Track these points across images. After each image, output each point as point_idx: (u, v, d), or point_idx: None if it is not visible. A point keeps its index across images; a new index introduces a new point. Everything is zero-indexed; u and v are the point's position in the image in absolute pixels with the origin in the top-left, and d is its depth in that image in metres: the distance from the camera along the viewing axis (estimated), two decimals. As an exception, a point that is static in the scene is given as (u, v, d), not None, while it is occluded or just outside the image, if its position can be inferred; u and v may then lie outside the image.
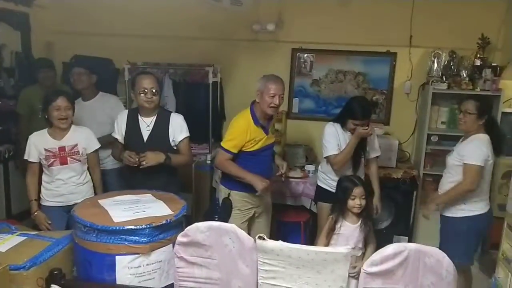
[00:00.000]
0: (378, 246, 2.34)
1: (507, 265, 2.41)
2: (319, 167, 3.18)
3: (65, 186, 2.74)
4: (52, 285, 1.93)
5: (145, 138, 2.75)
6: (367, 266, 1.80)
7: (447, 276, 1.73)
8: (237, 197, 2.78)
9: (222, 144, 2.75)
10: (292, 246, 1.80)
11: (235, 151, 2.71)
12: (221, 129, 4.20)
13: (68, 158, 2.72)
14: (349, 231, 2.44)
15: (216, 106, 4.05)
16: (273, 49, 4.17)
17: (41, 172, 2.76)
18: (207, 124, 3.86)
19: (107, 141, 3.03)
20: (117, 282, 1.97)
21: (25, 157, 2.73)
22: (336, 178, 2.97)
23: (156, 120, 2.76)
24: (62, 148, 2.71)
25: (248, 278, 1.89)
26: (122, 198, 2.30)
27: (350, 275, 1.95)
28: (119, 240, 1.94)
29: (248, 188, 2.71)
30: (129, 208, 2.15)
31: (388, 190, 3.49)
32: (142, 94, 2.68)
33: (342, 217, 2.47)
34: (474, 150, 2.63)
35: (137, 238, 1.96)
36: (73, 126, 2.78)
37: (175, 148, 2.80)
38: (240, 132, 2.69)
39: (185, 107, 3.96)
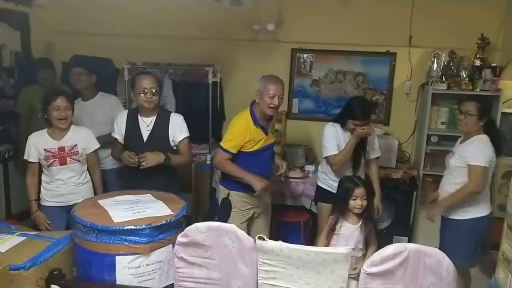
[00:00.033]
0: (378, 247, 2.35)
1: (507, 266, 2.42)
2: (319, 167, 3.18)
3: (64, 186, 2.74)
4: (52, 285, 1.93)
5: (145, 138, 2.75)
6: (367, 267, 1.80)
7: (447, 276, 1.73)
8: (236, 197, 2.78)
9: (221, 144, 2.75)
10: (292, 247, 1.80)
11: (234, 151, 2.71)
12: (221, 129, 4.21)
13: (68, 159, 2.72)
14: (350, 231, 2.43)
15: (216, 106, 4.05)
16: (273, 49, 4.17)
17: (41, 172, 2.76)
18: (207, 124, 3.86)
19: (106, 141, 3.03)
20: (117, 282, 1.98)
21: (25, 157, 2.73)
22: (336, 179, 2.97)
23: (156, 120, 2.76)
24: (61, 149, 2.71)
25: (248, 279, 1.89)
26: (122, 198, 2.30)
27: (351, 276, 1.94)
28: (119, 240, 1.95)
29: (247, 188, 2.71)
30: (129, 208, 2.15)
31: (388, 191, 3.48)
32: (142, 94, 2.68)
33: (342, 217, 2.47)
34: (478, 151, 2.62)
35: (137, 238, 1.96)
36: (72, 126, 2.78)
37: (174, 148, 2.79)
38: (240, 132, 2.69)
39: (185, 107, 3.96)
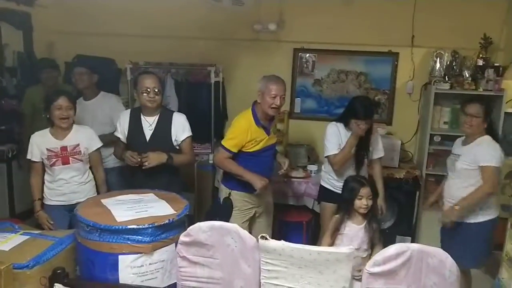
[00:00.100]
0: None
1: (511, 266, 2.40)
2: (323, 167, 3.17)
3: (67, 185, 2.75)
4: (55, 284, 1.94)
5: (147, 138, 2.75)
6: (369, 266, 1.80)
7: (450, 276, 1.73)
8: (237, 197, 2.78)
9: (222, 142, 2.75)
10: (294, 246, 1.80)
11: (234, 150, 2.71)
12: (223, 129, 4.20)
13: (70, 158, 2.72)
14: (354, 231, 2.43)
15: (218, 106, 4.05)
16: (274, 49, 4.17)
17: (44, 171, 2.77)
18: (209, 123, 3.86)
19: (109, 140, 3.04)
20: (120, 282, 1.98)
21: (28, 157, 2.74)
22: (339, 178, 2.97)
23: (158, 119, 2.77)
24: (64, 148, 2.71)
25: (250, 278, 1.89)
26: (124, 198, 2.30)
27: (356, 278, 1.94)
28: (122, 240, 1.95)
29: (248, 188, 2.71)
30: (131, 208, 2.15)
31: (391, 190, 3.47)
32: (144, 94, 2.69)
33: (347, 217, 2.46)
34: (488, 151, 2.62)
35: (139, 237, 1.96)
36: (74, 126, 2.79)
37: (177, 147, 2.80)
38: (241, 131, 2.70)
39: (187, 107, 3.96)
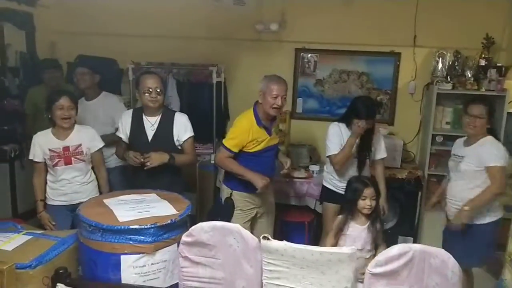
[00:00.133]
0: (383, 247, 2.35)
1: (513, 266, 2.40)
2: (325, 167, 3.17)
3: (70, 185, 2.76)
4: (58, 284, 1.94)
5: (149, 138, 2.75)
6: (371, 267, 1.79)
7: (452, 277, 1.72)
8: (238, 197, 2.79)
9: (223, 142, 2.76)
10: (296, 247, 1.79)
11: (235, 150, 2.71)
12: (225, 129, 4.20)
13: (72, 158, 2.73)
14: (357, 232, 2.43)
15: (220, 106, 4.05)
16: (276, 49, 4.17)
17: (47, 171, 2.77)
18: (211, 124, 3.87)
19: (111, 140, 3.05)
20: (122, 282, 1.98)
21: (30, 157, 2.74)
22: (341, 178, 2.97)
23: (160, 119, 2.77)
24: (66, 148, 2.72)
25: (252, 278, 1.89)
26: (126, 198, 2.30)
27: (360, 280, 1.93)
28: (124, 240, 1.95)
29: (250, 188, 2.72)
30: (134, 208, 2.16)
31: (393, 191, 3.47)
32: (146, 94, 2.69)
33: (351, 218, 2.46)
34: (494, 152, 2.61)
35: (142, 237, 1.96)
36: (76, 126, 2.79)
37: (179, 147, 2.80)
38: (242, 131, 2.70)
39: (189, 107, 3.97)
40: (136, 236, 1.96)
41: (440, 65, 3.82)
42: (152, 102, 2.71)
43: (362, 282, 1.94)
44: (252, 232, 2.63)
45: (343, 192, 2.93)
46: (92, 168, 2.86)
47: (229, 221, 2.48)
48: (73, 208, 2.51)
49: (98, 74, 3.40)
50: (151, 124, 2.77)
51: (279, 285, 1.86)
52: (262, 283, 1.88)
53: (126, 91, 4.05)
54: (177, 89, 4.09)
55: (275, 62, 4.07)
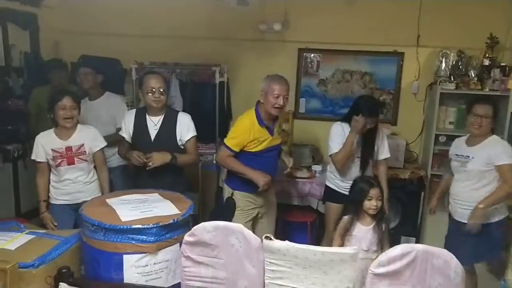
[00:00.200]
0: (385, 247, 2.34)
1: (516, 267, 2.38)
2: (328, 167, 3.17)
3: (73, 185, 2.77)
4: (60, 283, 1.95)
5: (152, 137, 2.76)
6: (374, 267, 1.79)
7: (455, 277, 1.71)
8: (240, 197, 2.79)
9: (225, 141, 2.76)
10: (299, 246, 1.79)
11: (236, 149, 2.71)
12: (227, 129, 4.18)
13: (75, 158, 2.74)
14: (363, 233, 2.42)
15: (222, 106, 4.05)
16: (279, 49, 4.17)
17: (50, 171, 2.78)
18: (214, 123, 3.87)
19: (114, 140, 3.06)
20: (125, 281, 1.98)
21: (33, 157, 2.75)
22: (343, 178, 2.97)
23: (163, 119, 2.78)
24: (69, 148, 2.73)
25: (254, 278, 1.89)
26: (129, 197, 2.31)
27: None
28: (126, 239, 1.95)
29: (251, 188, 2.72)
30: (136, 207, 2.16)
31: (396, 191, 3.47)
32: (149, 94, 2.69)
33: (356, 218, 2.45)
34: (502, 150, 2.62)
35: (144, 237, 1.96)
36: (79, 126, 2.80)
37: (182, 147, 2.80)
38: (243, 131, 2.70)
39: (192, 107, 3.97)
40: (139, 236, 1.96)
41: (443, 65, 3.81)
42: (155, 102, 2.71)
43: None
44: (253, 232, 2.64)
45: (345, 192, 2.93)
46: (94, 167, 2.86)
47: (230, 221, 2.48)
48: (76, 207, 2.51)
49: (101, 74, 3.41)
50: (154, 123, 2.78)
51: (282, 285, 1.86)
52: (264, 283, 1.88)
53: (129, 91, 4.06)
54: (180, 89, 4.10)
55: (278, 62, 4.07)
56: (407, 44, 3.94)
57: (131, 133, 2.81)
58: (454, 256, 1.73)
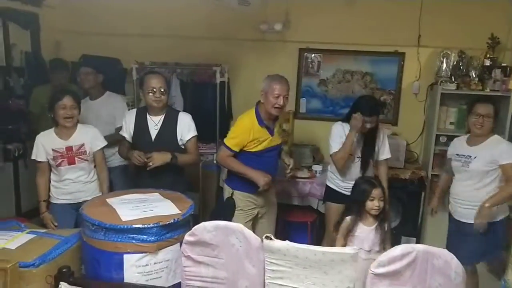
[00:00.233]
0: (386, 247, 2.34)
1: (517, 267, 2.38)
2: (329, 166, 3.18)
3: (73, 184, 2.77)
4: (61, 282, 1.95)
5: (153, 137, 2.76)
6: (374, 267, 1.79)
7: (455, 278, 1.71)
8: (240, 197, 2.79)
9: (224, 141, 2.76)
10: (299, 246, 1.79)
11: (236, 149, 2.71)
12: (228, 129, 4.19)
13: (76, 158, 2.74)
14: (365, 233, 2.42)
15: (223, 106, 4.06)
16: (280, 49, 4.17)
17: (50, 170, 2.78)
18: (215, 123, 3.87)
19: (114, 139, 3.06)
20: (125, 281, 1.98)
21: (33, 157, 2.75)
22: (343, 178, 2.97)
23: (164, 119, 2.78)
24: (69, 148, 2.73)
25: (254, 278, 1.89)
26: (130, 197, 2.31)
27: None
28: (127, 239, 1.95)
29: (251, 188, 2.72)
30: (137, 207, 2.16)
31: (396, 191, 3.47)
32: (150, 94, 2.70)
33: (358, 219, 2.45)
34: (507, 149, 2.63)
35: (144, 237, 1.96)
36: (79, 125, 2.80)
37: (182, 147, 2.80)
38: (243, 131, 2.70)
39: (193, 107, 3.97)
40: (139, 236, 1.96)
41: (444, 65, 3.80)
42: (156, 102, 2.71)
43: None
44: (253, 232, 2.64)
45: (346, 192, 2.93)
46: (95, 166, 2.87)
47: (230, 220, 2.48)
48: (77, 207, 2.51)
49: (102, 74, 3.41)
50: (154, 123, 2.78)
51: (282, 285, 1.86)
52: (264, 283, 1.88)
53: (130, 90, 4.06)
54: (181, 89, 4.10)
55: (279, 62, 4.07)
56: (408, 44, 3.94)
57: (132, 132, 2.81)
58: (454, 257, 1.73)
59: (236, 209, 2.77)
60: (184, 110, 3.24)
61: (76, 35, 4.26)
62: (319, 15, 4.01)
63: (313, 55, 4.17)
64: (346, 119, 2.95)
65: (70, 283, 1.95)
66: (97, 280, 2.02)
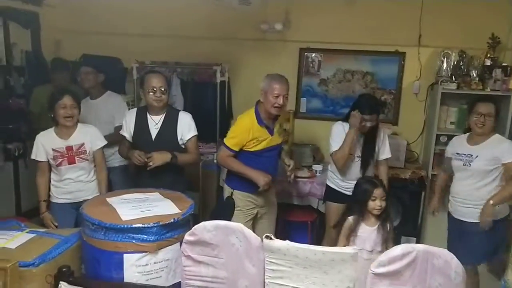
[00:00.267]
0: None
1: (517, 267, 2.38)
2: (329, 166, 3.17)
3: (74, 184, 2.77)
4: (60, 282, 1.95)
5: (153, 136, 2.76)
6: (374, 267, 1.78)
7: (455, 277, 1.71)
8: (239, 196, 2.79)
9: (224, 141, 2.76)
10: (299, 246, 1.79)
11: (236, 149, 2.71)
12: (228, 129, 4.18)
13: (76, 158, 2.74)
14: (367, 233, 2.42)
15: (223, 105, 4.06)
16: (280, 48, 4.16)
17: (50, 170, 2.78)
18: (215, 123, 3.87)
19: (114, 139, 3.06)
20: (125, 280, 1.98)
21: (33, 157, 2.74)
22: (343, 178, 2.97)
23: (164, 118, 2.78)
24: (69, 148, 2.73)
25: (254, 278, 1.89)
26: (130, 197, 2.31)
27: None
28: (127, 238, 1.95)
29: (251, 188, 2.71)
30: (137, 207, 2.16)
31: (396, 191, 3.47)
32: (151, 93, 2.69)
33: (361, 219, 2.45)
34: (507, 148, 2.63)
35: (144, 236, 1.96)
36: (79, 125, 2.80)
37: (183, 146, 2.80)
38: (242, 130, 2.70)
39: (193, 106, 3.97)
40: (139, 235, 1.96)
41: (445, 64, 3.80)
42: (157, 101, 2.71)
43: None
44: (253, 231, 2.64)
45: (346, 192, 2.93)
46: (95, 166, 2.87)
47: (229, 220, 2.48)
48: (77, 206, 2.50)
49: (102, 74, 3.41)
50: (155, 123, 2.78)
51: (282, 284, 1.86)
52: (264, 282, 1.88)
53: (130, 90, 4.06)
54: (181, 88, 4.10)
55: (279, 62, 4.07)
56: (408, 44, 3.93)
57: (132, 132, 2.81)
58: (454, 256, 1.73)
59: (235, 209, 2.77)
60: (185, 110, 3.25)
61: (76, 35, 4.26)
62: (320, 14, 4.01)
63: (313, 54, 4.17)
64: (346, 118, 2.95)
65: (70, 283, 1.95)
66: (97, 279, 2.02)
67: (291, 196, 3.61)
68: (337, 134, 2.92)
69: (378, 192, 2.41)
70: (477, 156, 2.70)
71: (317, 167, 3.74)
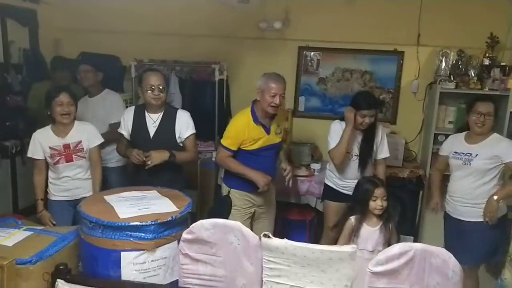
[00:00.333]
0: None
1: (514, 267, 2.38)
2: (327, 165, 3.17)
3: (71, 182, 2.76)
4: (57, 279, 1.95)
5: (151, 135, 2.76)
6: (372, 266, 1.79)
7: (453, 276, 1.71)
8: (237, 195, 2.79)
9: (221, 141, 2.76)
10: (297, 245, 1.79)
11: (234, 148, 2.70)
12: (226, 127, 4.20)
13: (73, 156, 2.73)
14: (368, 233, 2.42)
15: (222, 104, 4.05)
16: (279, 47, 4.16)
17: (47, 168, 2.77)
18: (213, 121, 3.87)
19: (110, 137, 3.05)
20: (122, 278, 1.98)
21: (29, 155, 2.73)
22: (341, 177, 2.97)
23: (162, 116, 2.77)
24: (66, 146, 2.72)
25: (252, 276, 1.89)
26: (127, 195, 2.30)
27: None
28: (124, 236, 1.95)
29: (249, 187, 2.71)
30: (134, 205, 2.15)
31: (394, 190, 3.46)
32: (149, 91, 2.69)
33: (362, 219, 2.44)
34: (507, 147, 2.64)
35: (142, 234, 1.96)
36: (76, 122, 2.79)
37: (181, 144, 2.80)
38: (238, 129, 2.69)
39: (191, 105, 3.97)
40: (137, 233, 1.96)
41: (443, 64, 3.80)
42: (155, 100, 2.71)
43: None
44: (252, 231, 2.63)
45: (344, 191, 2.93)
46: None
47: (226, 219, 2.48)
48: (75, 203, 2.49)
49: (101, 72, 3.40)
50: (153, 121, 2.77)
51: (280, 283, 1.86)
52: (262, 281, 1.88)
53: (128, 88, 4.06)
54: (180, 86, 4.09)
55: (278, 60, 4.06)
56: (407, 43, 3.93)
57: (130, 130, 2.81)
58: (452, 255, 1.73)
59: (232, 208, 2.77)
60: (183, 108, 3.25)
61: (74, 33, 4.25)
62: (319, 13, 4.01)
63: (312, 53, 4.17)
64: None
65: (67, 281, 1.95)
66: (94, 277, 2.02)
67: (289, 195, 3.60)
68: (335, 132, 2.92)
69: (379, 192, 2.41)
70: (477, 155, 2.70)
71: (315, 166, 3.73)
